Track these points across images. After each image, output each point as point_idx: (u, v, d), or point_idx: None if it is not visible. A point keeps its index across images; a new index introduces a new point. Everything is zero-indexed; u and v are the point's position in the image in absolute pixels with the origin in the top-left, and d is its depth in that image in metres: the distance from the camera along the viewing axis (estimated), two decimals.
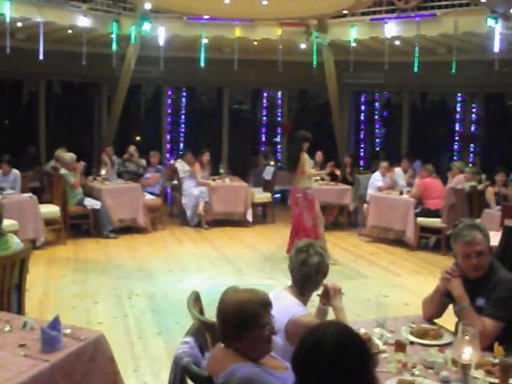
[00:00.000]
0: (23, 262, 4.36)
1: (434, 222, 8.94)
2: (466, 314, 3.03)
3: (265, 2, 7.91)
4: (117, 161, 11.14)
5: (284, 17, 9.45)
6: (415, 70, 10.42)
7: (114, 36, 10.40)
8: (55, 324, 3.03)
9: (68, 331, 3.15)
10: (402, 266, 8.24)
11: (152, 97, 15.17)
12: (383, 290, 6.92)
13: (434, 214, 8.96)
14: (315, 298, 3.26)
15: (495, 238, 6.66)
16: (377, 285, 7.26)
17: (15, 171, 9.42)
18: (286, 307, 2.98)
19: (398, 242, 9.35)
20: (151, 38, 10.69)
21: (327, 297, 3.16)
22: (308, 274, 3.11)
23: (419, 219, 9.09)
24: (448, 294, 3.21)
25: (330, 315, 3.23)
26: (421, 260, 8.56)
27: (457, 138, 14.43)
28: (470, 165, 11.77)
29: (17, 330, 3.21)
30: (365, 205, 10.30)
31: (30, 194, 8.84)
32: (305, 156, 7.98)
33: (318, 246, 3.21)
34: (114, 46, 10.42)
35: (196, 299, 3.26)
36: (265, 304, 2.48)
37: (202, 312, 3.24)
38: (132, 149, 10.92)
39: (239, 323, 2.41)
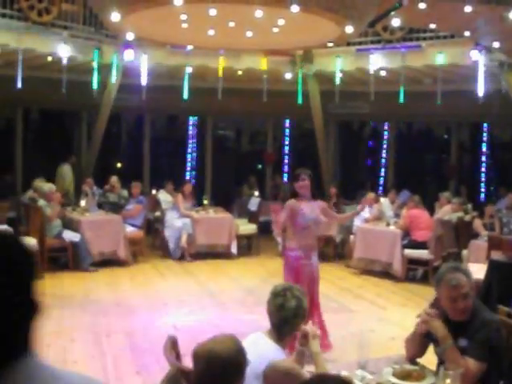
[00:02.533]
0: None
1: (422, 253, 8.88)
2: (450, 353, 2.99)
3: (249, 34, 7.84)
4: (97, 191, 10.93)
5: (269, 48, 9.42)
6: (401, 100, 10.42)
7: (95, 64, 10.28)
8: None
9: None
10: (388, 299, 8.10)
11: (133, 125, 15.00)
12: (369, 324, 6.80)
13: (422, 245, 8.89)
14: None
15: (481, 270, 6.59)
16: (362, 319, 7.11)
17: None
18: (264, 352, 2.91)
19: (386, 273, 9.24)
20: (134, 67, 10.58)
21: (306, 339, 3.08)
22: (285, 319, 3.04)
23: (406, 251, 9.01)
24: (428, 334, 3.18)
25: None
26: (408, 292, 8.42)
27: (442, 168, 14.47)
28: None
29: None
30: (351, 236, 10.19)
31: (6, 226, 8.60)
32: None
33: (296, 289, 3.14)
34: (95, 74, 10.29)
35: (173, 344, 3.14)
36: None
37: (178, 357, 3.13)
38: (114, 180, 10.70)
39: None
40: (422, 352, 3.34)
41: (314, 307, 5.73)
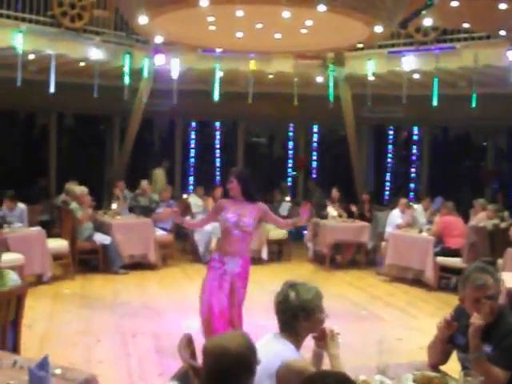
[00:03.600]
0: (19, 298, 4.30)
1: (455, 261, 8.65)
2: (480, 363, 2.88)
3: (278, 36, 7.80)
4: (129, 195, 11.02)
5: (298, 50, 9.36)
6: (434, 103, 10.23)
7: (126, 68, 10.38)
8: (43, 364, 2.94)
9: (58, 371, 3.09)
10: (419, 308, 7.94)
11: (165, 130, 15.09)
12: (398, 332, 6.69)
13: (455, 253, 8.69)
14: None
15: None
16: (391, 327, 7.01)
17: (21, 205, 9.32)
18: (277, 351, 2.86)
19: (417, 281, 9.06)
20: (164, 71, 10.65)
21: (323, 341, 3.04)
22: (287, 314, 2.98)
23: (439, 258, 8.83)
24: (451, 340, 3.10)
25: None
26: (440, 301, 8.20)
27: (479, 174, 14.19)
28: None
29: (6, 368, 3.17)
30: (383, 243, 10.06)
31: (39, 228, 8.75)
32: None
33: (300, 285, 3.05)
34: (127, 79, 10.39)
35: (188, 342, 3.13)
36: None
37: (193, 356, 3.10)
38: (144, 183, 10.79)
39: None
40: (444, 359, 3.25)
41: (236, 316, 5.53)
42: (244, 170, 5.78)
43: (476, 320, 2.98)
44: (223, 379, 2.34)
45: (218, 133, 15.15)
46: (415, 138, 14.76)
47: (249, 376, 2.38)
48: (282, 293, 3.01)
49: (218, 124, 15.05)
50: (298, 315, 2.95)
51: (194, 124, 15.01)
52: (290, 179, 15.40)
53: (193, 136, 15.04)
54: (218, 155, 15.14)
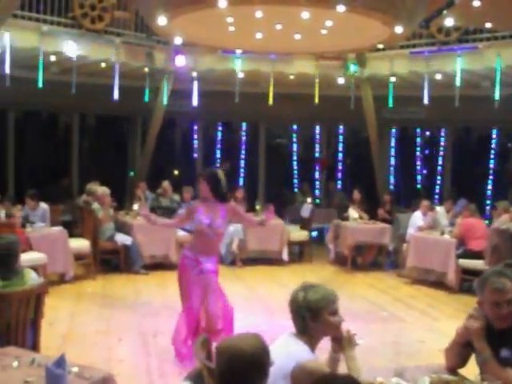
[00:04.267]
0: (39, 297, 4.34)
1: (477, 263, 8.51)
2: (489, 365, 2.88)
3: (298, 37, 7.79)
4: (150, 196, 11.09)
5: (318, 51, 9.34)
6: (457, 104, 10.15)
7: (147, 69, 10.44)
8: (61, 362, 2.98)
9: (75, 369, 3.13)
10: (441, 310, 7.87)
11: (187, 131, 15.15)
12: (419, 334, 6.64)
13: (477, 255, 8.57)
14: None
15: None
16: (413, 329, 6.96)
17: (43, 205, 9.45)
18: (292, 353, 2.85)
19: (439, 284, 8.97)
20: (185, 72, 10.70)
21: (340, 344, 3.03)
22: (296, 313, 2.98)
23: (461, 261, 8.73)
24: (470, 343, 3.06)
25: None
26: (462, 304, 8.06)
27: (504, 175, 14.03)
28: None
29: (24, 366, 3.23)
30: (404, 245, 9.98)
31: (61, 228, 8.84)
32: None
33: (310, 286, 3.04)
34: (147, 80, 10.46)
35: (204, 343, 3.06)
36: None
37: (209, 357, 3.00)
38: (166, 184, 10.85)
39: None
40: (462, 362, 3.21)
41: (209, 315, 5.57)
42: (213, 171, 5.75)
43: (473, 323, 3.00)
44: (236, 380, 2.34)
45: (243, 134, 15.15)
46: (437, 139, 14.64)
47: (262, 377, 2.38)
48: (293, 294, 3.02)
49: (243, 125, 15.06)
50: (304, 315, 2.94)
51: (218, 125, 15.05)
52: (316, 182, 15.38)
53: (216, 137, 15.09)
54: (242, 156, 15.15)
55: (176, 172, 15.27)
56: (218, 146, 15.17)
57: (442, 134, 14.34)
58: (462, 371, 3.18)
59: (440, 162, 14.42)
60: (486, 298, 3.00)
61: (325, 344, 3.08)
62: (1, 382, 3.03)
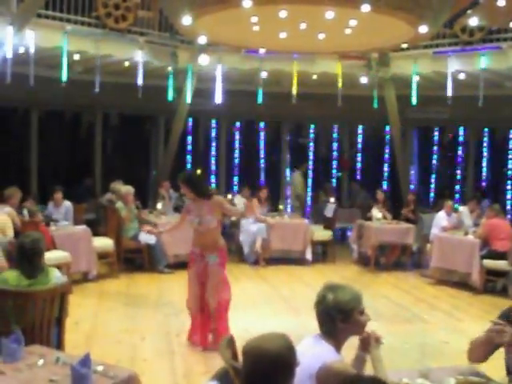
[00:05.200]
0: (63, 296, 4.40)
1: (501, 264, 8.50)
2: None
3: (321, 36, 7.78)
4: (174, 195, 11.14)
5: (342, 50, 9.31)
6: (480, 104, 10.05)
7: (170, 69, 10.49)
8: (86, 361, 3.03)
9: (100, 368, 3.15)
10: (465, 311, 7.81)
11: (210, 130, 15.19)
12: (443, 335, 6.60)
13: (501, 255, 8.52)
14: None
15: None
16: (436, 330, 6.90)
17: (67, 203, 9.55)
18: (318, 353, 2.85)
19: (463, 284, 8.91)
20: (209, 71, 10.73)
21: (367, 344, 3.03)
22: (322, 315, 2.97)
23: (485, 261, 8.66)
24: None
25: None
26: (486, 305, 8.05)
27: None
28: None
29: (49, 364, 3.25)
30: (428, 245, 9.96)
31: (84, 227, 8.92)
32: None
33: (337, 287, 3.02)
34: (171, 79, 10.50)
35: (230, 343, 3.13)
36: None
37: (235, 356, 3.09)
38: None
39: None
40: (484, 358, 3.18)
41: (205, 306, 5.97)
42: (187, 173, 6.22)
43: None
44: (263, 380, 2.35)
45: (262, 133, 15.15)
46: (461, 139, 14.51)
47: (288, 377, 2.38)
48: (320, 294, 3.00)
49: (262, 124, 15.06)
50: (334, 317, 2.93)
51: (238, 124, 15.07)
52: (334, 180, 15.34)
53: (237, 136, 15.11)
54: (262, 155, 15.16)
55: (199, 171, 15.32)
56: (239, 145, 15.19)
57: (465, 133, 14.22)
58: (487, 367, 3.17)
59: (463, 162, 14.31)
60: None
61: (350, 343, 3.05)
62: (26, 381, 3.03)
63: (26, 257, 4.36)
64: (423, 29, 6.59)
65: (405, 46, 8.70)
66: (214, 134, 14.76)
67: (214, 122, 14.66)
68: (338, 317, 2.91)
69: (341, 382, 2.18)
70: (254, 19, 6.93)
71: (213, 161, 14.74)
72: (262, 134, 15.11)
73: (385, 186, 14.45)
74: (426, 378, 2.95)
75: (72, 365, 2.96)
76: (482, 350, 3.15)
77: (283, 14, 6.48)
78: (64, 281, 4.55)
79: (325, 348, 2.89)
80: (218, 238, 5.95)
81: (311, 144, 15.39)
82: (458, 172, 14.65)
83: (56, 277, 4.50)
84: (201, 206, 5.84)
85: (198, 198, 5.85)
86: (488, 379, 3.02)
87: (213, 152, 14.76)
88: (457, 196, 13.93)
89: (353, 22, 6.84)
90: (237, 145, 15.09)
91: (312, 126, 15.17)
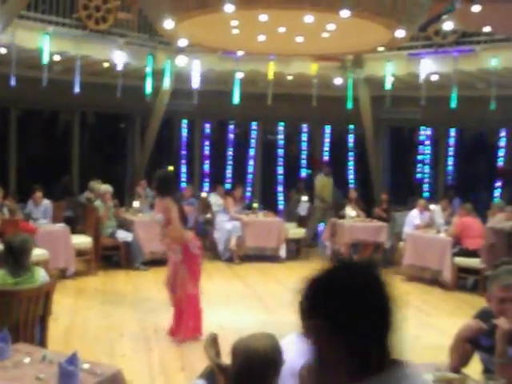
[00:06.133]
0: (48, 294, 4.46)
1: (473, 262, 8.73)
2: (504, 369, 2.93)
3: (300, 39, 7.89)
4: (150, 193, 11.18)
5: (319, 53, 9.44)
6: (453, 105, 10.27)
7: (148, 69, 10.54)
8: (73, 359, 3.08)
9: (86, 366, 3.21)
10: (437, 307, 8.04)
11: (185, 129, 15.21)
12: (415, 330, 6.73)
13: (473, 253, 8.74)
14: None
15: None
16: (409, 325, 6.98)
17: (46, 201, 9.57)
18: (301, 351, 2.86)
19: (435, 281, 9.14)
20: (186, 72, 10.79)
21: None
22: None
23: (457, 259, 8.90)
24: (473, 340, 3.14)
25: None
26: (457, 301, 8.30)
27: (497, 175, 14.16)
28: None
29: (36, 362, 3.29)
30: (401, 243, 10.16)
31: (63, 224, 8.94)
32: None
33: None
34: (149, 80, 10.55)
35: (213, 341, 3.23)
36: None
37: (218, 354, 3.20)
38: None
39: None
40: (466, 361, 3.27)
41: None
42: (161, 170, 6.67)
43: (504, 324, 3.01)
44: (252, 379, 2.42)
45: (232, 132, 15.21)
46: (433, 138, 14.76)
47: (275, 375, 2.46)
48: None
49: (232, 123, 15.12)
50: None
51: (209, 124, 15.11)
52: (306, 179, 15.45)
53: (208, 135, 15.17)
54: (232, 154, 15.21)
55: (171, 168, 15.31)
56: (216, 144, 15.24)
57: (437, 133, 14.47)
58: (465, 370, 3.24)
59: (434, 162, 14.56)
60: (494, 294, 3.10)
61: None
62: (14, 379, 3.07)
63: (14, 256, 4.41)
64: (400, 33, 6.73)
65: (381, 49, 8.84)
66: (187, 133, 14.77)
67: (187, 121, 14.67)
68: None
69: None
70: (235, 23, 7.00)
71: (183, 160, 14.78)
72: (231, 133, 15.17)
73: (354, 184, 14.57)
74: None
75: (60, 363, 3.01)
76: (460, 353, 3.24)
77: (263, 17, 6.57)
78: (49, 280, 4.61)
79: (307, 346, 2.97)
80: (177, 236, 6.06)
81: (281, 142, 15.52)
82: (429, 171, 14.92)
83: (41, 276, 4.55)
84: (158, 203, 6.20)
85: (157, 194, 6.25)
86: (464, 375, 3.11)
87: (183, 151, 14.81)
88: (427, 195, 14.15)
89: (331, 26, 6.95)
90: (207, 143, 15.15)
91: (281, 124, 15.28)
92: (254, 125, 14.82)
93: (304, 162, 15.50)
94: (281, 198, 15.04)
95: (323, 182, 12.84)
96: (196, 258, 6.17)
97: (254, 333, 2.55)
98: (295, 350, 2.76)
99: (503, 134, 13.26)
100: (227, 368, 2.67)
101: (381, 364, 1.38)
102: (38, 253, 7.78)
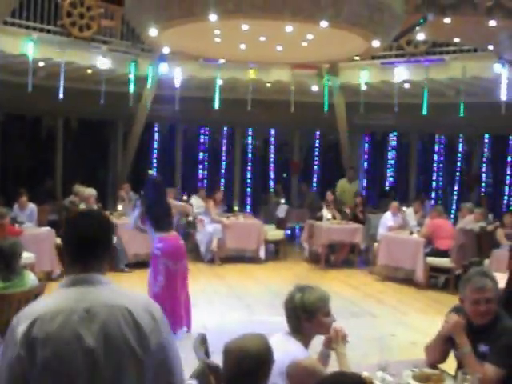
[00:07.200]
0: (37, 297, 4.46)
1: (444, 261, 8.98)
2: (467, 359, 3.08)
3: (279, 48, 8.15)
4: (134, 196, 11.31)
5: (298, 62, 9.71)
6: (424, 112, 10.64)
7: (131, 76, 10.74)
8: None
9: None
10: (410, 305, 8.25)
11: (167, 134, 15.43)
12: (390, 328, 6.95)
13: (444, 253, 9.00)
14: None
15: (503, 280, 6.68)
16: (384, 323, 7.26)
17: (31, 205, 9.62)
18: (288, 350, 2.99)
19: (408, 280, 9.37)
20: (168, 79, 11.03)
21: (331, 340, 3.21)
22: (289, 313, 3.13)
23: (429, 259, 9.14)
24: (449, 339, 3.24)
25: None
26: (430, 299, 8.56)
27: (463, 179, 14.64)
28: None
29: None
30: (375, 244, 10.37)
31: (48, 228, 9.05)
32: None
33: (307, 286, 3.19)
34: (132, 86, 10.75)
35: (202, 341, 3.27)
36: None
37: (207, 354, 3.25)
38: None
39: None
40: (442, 358, 3.38)
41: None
42: (152, 177, 7.16)
43: (455, 318, 3.18)
44: (245, 379, 2.48)
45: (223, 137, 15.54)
46: (405, 144, 15.16)
47: (266, 375, 2.54)
48: (290, 293, 3.14)
49: (211, 128, 15.43)
50: (299, 316, 3.06)
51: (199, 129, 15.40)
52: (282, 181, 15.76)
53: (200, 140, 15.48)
54: (202, 158, 15.60)
55: (150, 172, 15.46)
56: (196, 149, 15.54)
57: (409, 139, 14.85)
58: (442, 366, 3.39)
59: (407, 166, 14.95)
60: (467, 296, 3.18)
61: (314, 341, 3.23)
62: None
63: (4, 260, 4.49)
64: (376, 43, 7.01)
65: (357, 58, 9.15)
66: (172, 138, 15.02)
67: (171, 126, 14.92)
68: (302, 316, 3.06)
69: (323, 380, 2.22)
70: (217, 32, 7.21)
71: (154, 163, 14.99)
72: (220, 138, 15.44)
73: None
74: (385, 371, 3.09)
75: None
76: (436, 350, 3.36)
77: (245, 27, 6.80)
78: (38, 283, 4.72)
79: (294, 345, 3.02)
80: (150, 237, 6.43)
81: (251, 146, 15.86)
82: (399, 175, 15.32)
83: (31, 279, 4.65)
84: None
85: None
86: (442, 371, 3.24)
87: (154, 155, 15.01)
88: (399, 197, 14.53)
89: (310, 36, 7.21)
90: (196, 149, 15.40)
91: (250, 129, 15.63)
92: (235, 129, 15.16)
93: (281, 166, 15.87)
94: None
95: (344, 187, 12.92)
96: (156, 258, 6.34)
97: (246, 333, 2.60)
98: (282, 349, 2.90)
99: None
100: (217, 368, 2.73)
101: None
102: (24, 256, 7.90)
